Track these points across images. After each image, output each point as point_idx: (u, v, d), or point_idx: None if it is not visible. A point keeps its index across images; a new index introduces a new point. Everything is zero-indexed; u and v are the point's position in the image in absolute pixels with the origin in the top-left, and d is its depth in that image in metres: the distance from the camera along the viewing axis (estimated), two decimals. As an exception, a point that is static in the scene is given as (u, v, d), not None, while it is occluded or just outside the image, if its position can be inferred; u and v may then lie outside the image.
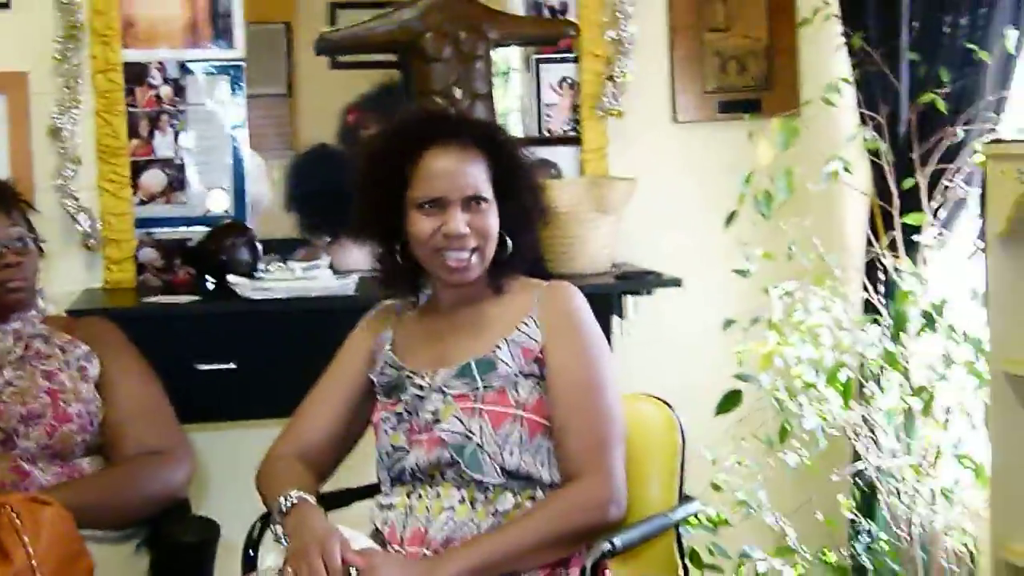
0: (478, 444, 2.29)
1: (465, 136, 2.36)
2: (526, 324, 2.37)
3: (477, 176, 2.34)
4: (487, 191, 2.34)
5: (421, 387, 2.36)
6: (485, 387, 2.32)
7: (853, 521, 3.13)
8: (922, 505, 3.01)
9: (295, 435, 2.47)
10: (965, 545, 3.05)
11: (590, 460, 2.28)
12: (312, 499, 2.29)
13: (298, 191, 3.55)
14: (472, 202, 2.33)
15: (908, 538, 3.04)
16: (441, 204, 2.32)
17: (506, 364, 2.33)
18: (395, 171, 2.35)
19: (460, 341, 2.39)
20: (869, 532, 3.10)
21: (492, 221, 2.35)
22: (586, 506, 2.26)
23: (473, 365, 2.34)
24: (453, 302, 2.43)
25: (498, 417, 2.30)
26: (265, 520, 2.45)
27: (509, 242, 2.39)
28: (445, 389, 2.34)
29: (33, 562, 2.25)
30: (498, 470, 2.29)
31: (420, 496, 2.33)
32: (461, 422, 2.31)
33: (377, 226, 2.42)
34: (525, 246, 2.43)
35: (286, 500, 2.26)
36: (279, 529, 2.26)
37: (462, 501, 2.30)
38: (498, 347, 2.35)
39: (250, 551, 2.44)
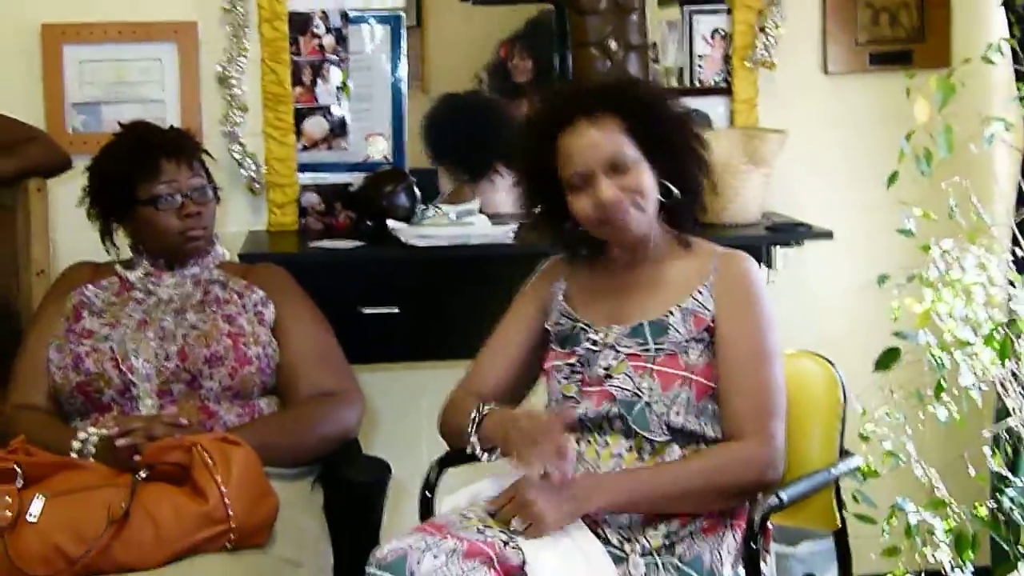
0: (647, 403, 2.34)
1: (595, 107, 2.38)
2: (700, 293, 2.41)
3: (614, 141, 2.36)
4: (629, 151, 2.37)
5: (595, 341, 2.42)
6: (657, 349, 2.37)
7: (999, 475, 3.16)
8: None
9: (475, 381, 2.54)
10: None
11: (753, 422, 2.33)
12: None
13: (440, 139, 3.55)
14: (616, 167, 2.36)
15: (1054, 495, 3.07)
16: (587, 178, 2.37)
17: (677, 331, 2.38)
18: (543, 159, 2.42)
19: (634, 300, 2.44)
20: (1011, 485, 3.11)
21: (643, 178, 2.38)
22: (745, 463, 2.32)
23: (646, 327, 2.39)
24: (628, 260, 2.48)
25: (668, 378, 2.35)
26: (442, 464, 2.55)
27: (674, 189, 2.40)
28: (618, 346, 2.39)
29: (226, 500, 2.35)
30: (664, 428, 2.35)
31: (589, 442, 2.39)
32: (632, 380, 2.36)
33: (546, 208, 2.48)
34: (688, 194, 2.44)
35: (480, 409, 2.37)
36: (476, 442, 2.36)
37: (630, 450, 2.36)
38: (671, 312, 2.40)
39: (427, 493, 2.53)
